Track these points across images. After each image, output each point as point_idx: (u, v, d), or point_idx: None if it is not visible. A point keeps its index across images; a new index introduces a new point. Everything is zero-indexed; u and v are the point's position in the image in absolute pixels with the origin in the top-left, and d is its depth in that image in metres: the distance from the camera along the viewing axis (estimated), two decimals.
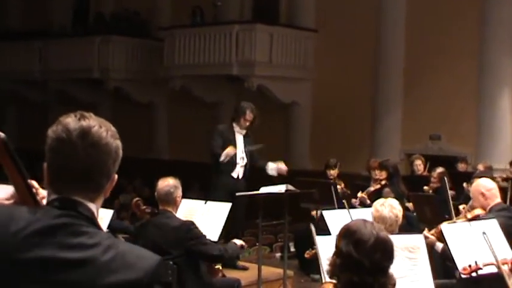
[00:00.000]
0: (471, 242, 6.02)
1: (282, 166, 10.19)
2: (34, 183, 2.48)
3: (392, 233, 5.20)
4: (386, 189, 10.53)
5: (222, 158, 9.74)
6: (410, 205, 10.81)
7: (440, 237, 6.69)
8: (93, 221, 2.26)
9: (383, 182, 11.07)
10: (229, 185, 9.76)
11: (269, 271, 9.39)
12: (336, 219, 7.42)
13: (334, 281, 3.79)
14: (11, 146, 2.38)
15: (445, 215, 8.66)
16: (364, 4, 16.85)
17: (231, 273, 8.26)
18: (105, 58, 20.15)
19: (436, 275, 5.84)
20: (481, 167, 11.99)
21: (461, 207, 8.64)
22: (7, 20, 24.55)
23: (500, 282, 5.61)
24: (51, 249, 2.15)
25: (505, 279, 5.39)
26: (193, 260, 6.69)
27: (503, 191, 8.68)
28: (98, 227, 2.27)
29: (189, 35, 18.05)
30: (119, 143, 2.32)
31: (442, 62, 15.73)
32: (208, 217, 7.71)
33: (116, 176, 2.36)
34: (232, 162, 9.88)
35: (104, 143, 2.27)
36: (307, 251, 7.17)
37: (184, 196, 7.13)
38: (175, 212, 6.86)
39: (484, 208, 7.32)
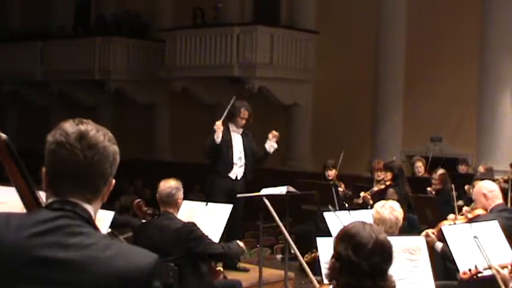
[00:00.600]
0: (472, 243, 6.02)
1: (270, 135, 10.07)
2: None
3: (392, 235, 5.20)
4: (391, 190, 10.51)
5: (216, 137, 9.65)
6: None
7: (441, 237, 6.70)
8: (90, 222, 2.29)
9: (388, 183, 11.06)
10: (227, 187, 9.67)
11: (270, 273, 9.39)
12: (337, 220, 7.41)
13: (332, 283, 3.78)
14: (13, 148, 2.40)
15: (447, 217, 8.67)
16: (365, 6, 16.85)
17: (232, 275, 8.26)
18: (107, 59, 20.17)
19: (436, 276, 5.84)
20: (481, 169, 11.99)
21: (464, 208, 8.65)
22: (9, 21, 24.58)
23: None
24: (50, 249, 2.18)
25: (499, 283, 5.39)
26: (195, 262, 6.69)
27: (504, 192, 8.68)
28: (96, 229, 2.31)
29: (190, 36, 18.06)
30: (116, 148, 2.37)
31: (443, 63, 15.73)
32: (209, 219, 7.70)
33: (114, 181, 2.40)
34: (229, 162, 9.80)
35: (102, 146, 2.31)
36: (306, 255, 7.15)
37: (185, 198, 7.13)
38: (177, 214, 6.86)
39: (485, 209, 7.37)
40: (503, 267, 5.72)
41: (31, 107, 23.28)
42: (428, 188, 11.38)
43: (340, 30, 17.27)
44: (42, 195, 2.42)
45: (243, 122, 9.86)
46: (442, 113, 15.78)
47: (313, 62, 18.03)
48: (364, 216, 6.67)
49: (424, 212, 10.13)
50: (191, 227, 6.68)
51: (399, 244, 5.30)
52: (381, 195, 10.04)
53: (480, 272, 5.70)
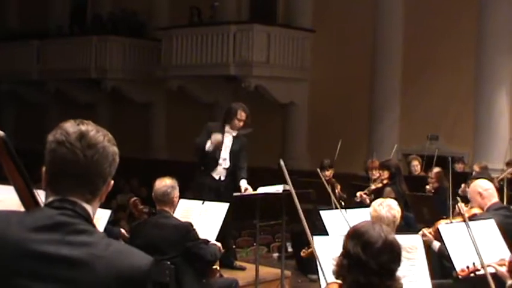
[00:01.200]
0: (469, 241, 6.02)
1: (248, 190, 9.52)
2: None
3: None
4: (388, 189, 10.50)
5: (207, 145, 9.56)
6: None
7: (437, 236, 6.70)
8: (89, 221, 2.32)
9: (385, 182, 11.05)
10: (212, 186, 9.62)
11: (266, 271, 9.38)
12: (333, 219, 7.42)
13: (339, 281, 3.80)
14: (11, 145, 2.40)
15: (443, 216, 8.68)
16: (361, 4, 16.87)
17: (228, 273, 8.26)
18: (103, 58, 20.19)
19: (433, 274, 5.85)
20: (476, 168, 12.01)
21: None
22: (5, 20, 24.57)
23: (499, 282, 5.61)
24: (53, 245, 2.20)
25: (489, 282, 5.39)
26: (191, 260, 6.69)
27: (499, 191, 8.67)
28: (94, 228, 2.33)
29: (187, 35, 18.07)
30: (115, 149, 2.40)
31: (440, 62, 15.76)
32: (206, 217, 7.69)
33: (112, 182, 2.42)
34: (214, 160, 9.69)
35: (101, 146, 2.34)
36: (304, 249, 7.18)
37: (181, 196, 7.13)
38: (173, 212, 6.86)
39: (481, 208, 7.36)
40: (501, 265, 5.73)
41: (28, 106, 23.28)
42: (427, 187, 11.39)
43: (337, 29, 17.28)
44: (40, 193, 2.43)
45: (241, 123, 9.77)
46: (439, 111, 15.80)
47: (309, 60, 18.05)
48: (361, 214, 6.68)
49: (421, 210, 10.13)
50: (188, 227, 6.68)
51: None
52: (378, 194, 10.03)
53: (478, 270, 5.70)
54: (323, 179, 8.46)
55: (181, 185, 6.98)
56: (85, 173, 2.32)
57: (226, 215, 7.71)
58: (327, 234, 6.91)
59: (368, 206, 7.36)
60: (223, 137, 9.69)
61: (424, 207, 10.10)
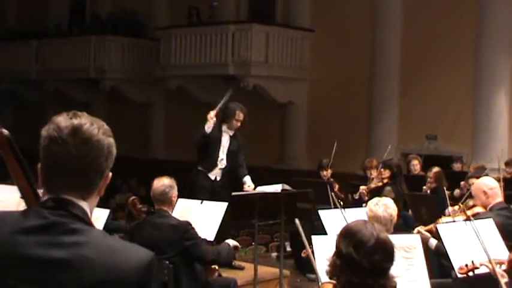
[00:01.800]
0: (467, 240, 6.02)
1: (248, 189, 9.71)
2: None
3: (387, 233, 5.20)
4: (388, 188, 10.50)
5: (206, 128, 9.62)
6: None
7: (435, 234, 6.69)
8: (84, 219, 2.25)
9: (385, 181, 11.05)
10: (207, 186, 9.65)
11: (265, 271, 9.38)
12: (332, 218, 7.43)
13: (333, 281, 3.79)
14: (15, 144, 2.39)
15: (441, 215, 8.68)
16: (360, 4, 16.86)
17: (227, 273, 8.25)
18: (102, 58, 20.19)
19: (432, 274, 5.85)
20: (472, 169, 12.03)
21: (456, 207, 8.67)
22: (4, 20, 24.56)
23: (496, 281, 5.61)
24: (43, 248, 2.16)
25: (498, 280, 5.39)
26: (189, 260, 6.69)
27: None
28: (91, 225, 2.27)
29: (186, 35, 18.07)
30: (111, 140, 2.31)
31: (438, 62, 15.76)
32: (205, 217, 7.70)
33: (110, 174, 2.35)
34: (213, 161, 9.74)
35: (96, 139, 2.26)
36: (304, 250, 7.17)
37: (180, 196, 7.13)
38: (172, 212, 6.85)
39: (485, 206, 7.33)
40: (498, 264, 5.73)
41: (26, 106, 23.27)
42: (424, 187, 11.39)
43: (336, 29, 17.28)
44: (41, 192, 2.41)
45: (238, 124, 9.82)
46: (438, 111, 15.80)
47: (308, 60, 18.04)
48: (359, 214, 6.68)
49: (420, 210, 10.13)
50: (186, 226, 6.68)
51: (394, 242, 5.30)
52: (377, 193, 10.04)
53: (477, 268, 5.71)
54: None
55: (179, 184, 6.97)
56: (80, 169, 2.25)
57: (224, 215, 7.72)
58: (326, 233, 6.92)
59: (366, 202, 7.35)
60: (220, 136, 9.74)
61: (422, 207, 10.11)
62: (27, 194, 2.43)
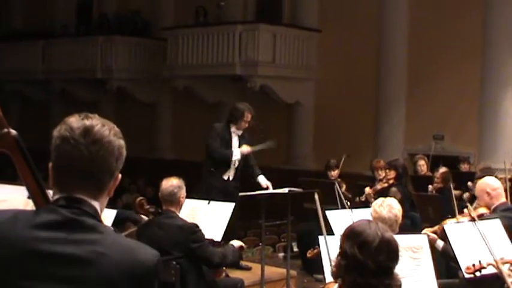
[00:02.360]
0: (474, 241, 6.01)
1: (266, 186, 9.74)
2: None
3: (393, 233, 5.19)
4: (394, 189, 10.48)
5: (235, 155, 9.68)
6: None
7: (442, 235, 6.67)
8: (96, 217, 2.29)
9: (391, 182, 11.04)
10: (220, 187, 9.67)
11: (272, 271, 9.39)
12: (339, 219, 7.42)
13: (338, 282, 3.78)
14: (23, 144, 2.40)
15: (448, 215, 8.67)
16: (367, 4, 16.85)
17: (234, 273, 8.26)
18: (108, 58, 20.19)
19: (439, 274, 5.84)
20: (478, 170, 12.02)
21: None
22: (10, 20, 24.60)
23: (503, 281, 5.60)
24: (56, 244, 2.19)
25: (505, 279, 5.38)
26: (196, 260, 6.68)
27: (505, 191, 8.65)
28: (101, 224, 2.31)
29: (193, 35, 18.07)
30: (122, 142, 2.35)
31: (445, 62, 15.74)
32: (212, 217, 7.71)
33: (120, 176, 2.38)
34: (228, 163, 9.79)
35: (107, 140, 2.30)
36: (309, 250, 7.16)
37: (187, 196, 7.13)
38: (179, 212, 6.85)
39: (488, 207, 7.29)
40: (504, 263, 5.72)
41: (33, 106, 23.32)
42: (430, 187, 11.38)
43: (343, 29, 17.26)
44: (50, 193, 2.42)
45: (246, 125, 9.85)
46: (445, 111, 15.78)
47: (315, 60, 18.03)
48: (365, 215, 6.67)
49: (427, 210, 10.12)
50: (194, 228, 6.67)
51: (402, 242, 5.27)
52: (383, 194, 10.02)
53: (484, 267, 5.70)
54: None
55: (187, 184, 6.97)
56: (91, 170, 2.28)
57: (232, 215, 7.72)
58: (333, 234, 6.91)
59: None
60: (230, 137, 9.77)
61: (429, 207, 10.10)
62: (35, 194, 2.44)
